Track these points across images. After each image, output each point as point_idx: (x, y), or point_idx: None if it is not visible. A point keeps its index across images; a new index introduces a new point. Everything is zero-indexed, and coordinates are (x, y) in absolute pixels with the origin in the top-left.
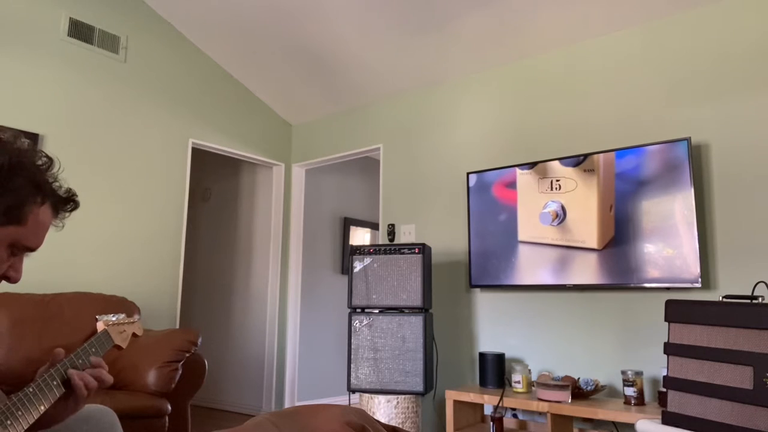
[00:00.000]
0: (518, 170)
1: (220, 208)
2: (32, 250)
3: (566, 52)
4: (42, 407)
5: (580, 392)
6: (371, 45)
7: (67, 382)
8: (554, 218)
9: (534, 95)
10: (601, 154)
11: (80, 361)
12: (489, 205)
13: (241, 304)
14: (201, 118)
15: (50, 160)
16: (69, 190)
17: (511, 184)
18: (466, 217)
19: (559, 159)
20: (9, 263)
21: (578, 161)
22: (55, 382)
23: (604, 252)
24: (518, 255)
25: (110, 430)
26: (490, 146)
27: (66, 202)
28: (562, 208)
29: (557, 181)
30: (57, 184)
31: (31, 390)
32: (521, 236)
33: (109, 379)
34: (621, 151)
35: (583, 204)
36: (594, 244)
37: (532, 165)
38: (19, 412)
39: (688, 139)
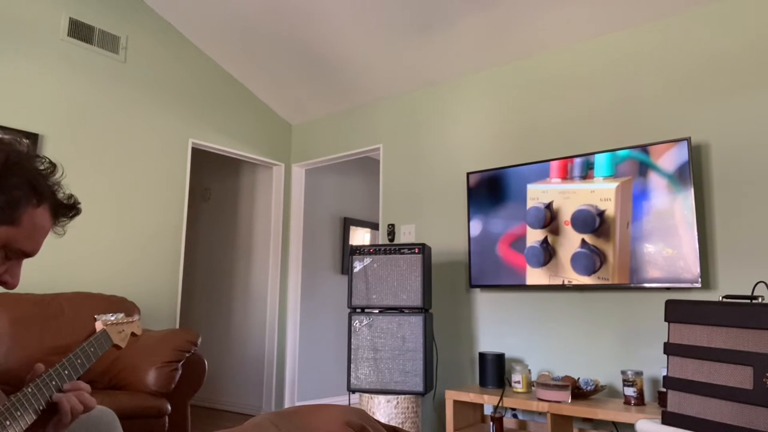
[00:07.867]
0: (528, 266)
1: (220, 207)
2: (28, 254)
3: (566, 52)
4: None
5: (580, 392)
6: (371, 45)
7: (50, 404)
8: None
9: (533, 95)
10: (617, 268)
11: (66, 372)
12: (495, 266)
13: (241, 304)
14: (201, 118)
15: (53, 166)
16: (71, 196)
17: (516, 242)
18: (466, 218)
19: (559, 158)
20: (5, 267)
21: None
22: (37, 403)
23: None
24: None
25: (110, 430)
26: (490, 146)
27: (66, 208)
28: None
29: (569, 281)
30: (57, 188)
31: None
32: None
33: (93, 402)
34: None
35: None
36: None
37: (538, 166)
38: (8, 422)
39: (688, 139)
